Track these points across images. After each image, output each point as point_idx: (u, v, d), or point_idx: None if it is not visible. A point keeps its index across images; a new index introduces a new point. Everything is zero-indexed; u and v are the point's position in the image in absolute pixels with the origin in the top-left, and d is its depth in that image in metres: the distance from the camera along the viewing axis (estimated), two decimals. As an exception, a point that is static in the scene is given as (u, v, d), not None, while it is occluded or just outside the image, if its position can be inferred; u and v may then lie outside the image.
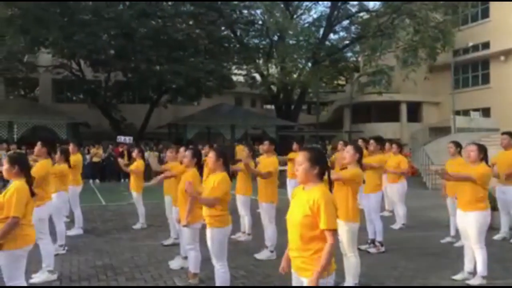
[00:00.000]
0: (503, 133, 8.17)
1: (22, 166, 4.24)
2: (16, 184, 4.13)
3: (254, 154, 8.14)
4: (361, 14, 30.94)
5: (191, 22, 25.68)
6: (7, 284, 4.08)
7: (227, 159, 4.96)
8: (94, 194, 15.07)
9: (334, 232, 3.00)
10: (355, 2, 30.13)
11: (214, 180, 4.77)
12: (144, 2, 23.53)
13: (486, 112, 28.39)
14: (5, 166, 4.23)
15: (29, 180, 4.23)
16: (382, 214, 8.80)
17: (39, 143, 6.38)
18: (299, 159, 3.18)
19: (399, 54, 26.95)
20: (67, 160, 7.23)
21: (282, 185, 9.62)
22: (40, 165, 6.00)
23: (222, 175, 4.79)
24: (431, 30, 25.07)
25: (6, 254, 4.00)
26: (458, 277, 5.77)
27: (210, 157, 4.92)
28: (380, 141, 7.83)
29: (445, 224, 8.29)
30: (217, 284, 4.83)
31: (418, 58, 26.77)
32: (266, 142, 7.52)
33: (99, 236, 8.50)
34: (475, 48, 28.86)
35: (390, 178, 9.15)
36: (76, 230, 8.54)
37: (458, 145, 7.71)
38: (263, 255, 6.83)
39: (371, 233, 7.31)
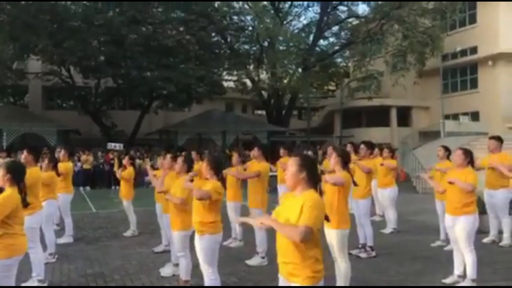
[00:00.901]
0: (491, 138, 8.27)
1: (15, 174, 4.20)
2: (7, 191, 4.09)
3: (244, 160, 8.18)
4: (351, 20, 31.15)
5: (181, 29, 25.70)
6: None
7: (220, 168, 4.99)
8: (85, 202, 14.97)
9: (306, 228, 2.92)
10: (345, 8, 30.34)
11: (206, 187, 4.79)
12: (134, 8, 23.50)
13: (475, 116, 28.66)
14: (1, 173, 4.19)
15: (22, 190, 4.19)
16: (373, 219, 8.85)
17: (25, 151, 6.29)
18: (288, 164, 3.23)
19: (389, 59, 27.16)
20: (55, 167, 7.17)
21: (273, 190, 9.64)
22: (28, 173, 5.92)
23: (213, 183, 4.81)
24: (420, 35, 25.28)
25: None
26: (448, 280, 5.81)
27: (203, 166, 4.95)
28: (370, 146, 7.88)
29: (435, 228, 8.35)
30: None
31: (407, 63, 26.99)
32: (256, 148, 7.56)
33: (89, 244, 8.44)
34: (463, 53, 29.14)
35: (381, 183, 9.19)
36: (66, 238, 8.48)
37: (447, 149, 7.82)
38: (254, 261, 6.83)
39: (361, 237, 7.35)
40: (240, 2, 28.64)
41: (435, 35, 25.90)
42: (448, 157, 7.68)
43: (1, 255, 3.95)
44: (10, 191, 4.09)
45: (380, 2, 27.64)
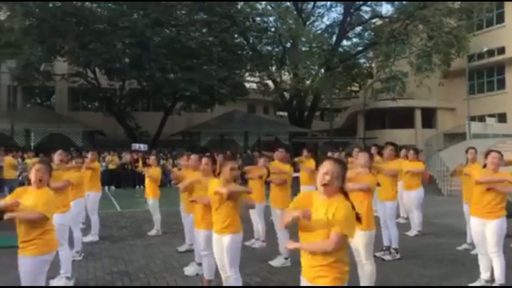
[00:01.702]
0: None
1: (47, 174, 4.32)
2: (44, 190, 4.19)
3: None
4: (374, 20, 30.93)
5: (204, 30, 25.92)
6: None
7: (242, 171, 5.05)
8: (110, 201, 15.20)
9: (340, 236, 2.93)
10: (368, 9, 30.10)
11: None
12: (158, 11, 23.79)
13: (502, 117, 28.07)
14: (36, 173, 4.29)
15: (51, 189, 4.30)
16: (397, 221, 8.74)
17: (59, 151, 6.43)
18: (328, 168, 3.09)
19: (413, 60, 26.83)
20: (79, 168, 7.31)
21: (296, 192, 9.61)
22: (61, 173, 6.06)
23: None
24: (445, 36, 24.93)
25: (34, 260, 4.04)
26: (475, 285, 5.70)
27: (224, 167, 4.98)
28: (396, 148, 7.79)
29: (461, 231, 8.21)
30: None
31: (432, 63, 26.63)
32: (282, 150, 7.54)
33: (114, 242, 8.57)
34: (490, 53, 28.59)
35: (407, 185, 9.08)
36: (92, 237, 8.63)
37: (476, 151, 7.66)
38: (277, 262, 6.83)
39: (386, 240, 7.27)
40: (263, 3, 28.72)
41: (461, 35, 25.50)
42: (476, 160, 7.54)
43: (43, 251, 4.07)
44: (47, 189, 4.20)
45: (404, 2, 27.34)
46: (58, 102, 33.84)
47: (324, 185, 3.05)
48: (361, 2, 29.62)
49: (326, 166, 3.10)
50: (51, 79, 27.65)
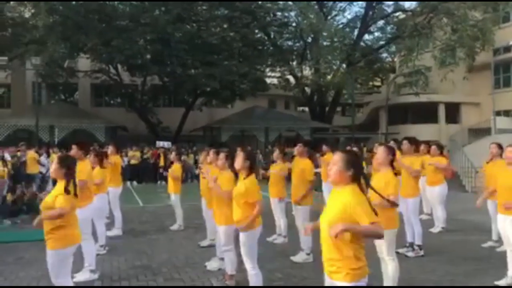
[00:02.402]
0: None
1: (70, 168, 4.39)
2: (63, 184, 4.27)
3: (285, 157, 8.18)
4: (397, 14, 30.49)
5: (225, 26, 25.95)
6: (54, 282, 4.24)
7: (254, 161, 5.06)
8: (132, 196, 15.38)
9: (377, 224, 2.93)
10: (391, 2, 29.72)
11: (244, 184, 4.82)
12: (179, 7, 23.90)
13: (528, 112, 27.43)
14: (55, 166, 4.38)
15: (74, 183, 4.37)
16: (420, 217, 8.62)
17: (74, 146, 6.45)
18: (335, 159, 3.16)
19: (437, 54, 26.36)
20: (100, 162, 7.39)
21: (317, 187, 9.57)
22: (81, 167, 6.10)
23: (250, 179, 4.85)
24: (470, 29, 24.39)
25: (55, 253, 4.17)
26: (501, 282, 5.59)
27: (237, 157, 4.98)
28: (414, 142, 7.64)
29: (486, 228, 8.06)
30: (251, 285, 4.87)
31: (457, 57, 26.10)
32: (300, 144, 7.51)
33: (137, 237, 8.67)
34: (517, 46, 27.91)
35: (430, 181, 8.95)
36: (116, 231, 8.75)
37: (500, 147, 7.46)
38: (299, 257, 6.81)
39: (409, 236, 7.19)
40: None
41: (486, 28, 24.92)
42: (501, 155, 7.36)
43: (58, 245, 4.15)
44: (65, 184, 4.26)
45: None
46: (81, 98, 34.36)
47: (330, 176, 3.17)
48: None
49: (334, 158, 3.18)
50: (74, 76, 28.06)
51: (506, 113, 27.22)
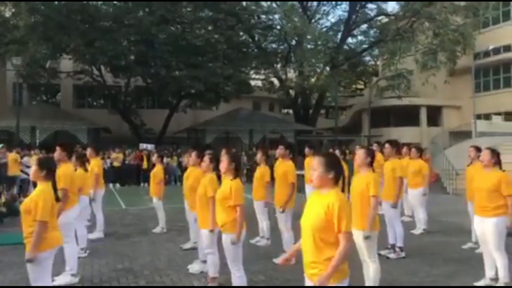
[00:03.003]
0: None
1: (50, 170, 4.34)
2: (42, 187, 4.22)
3: (268, 159, 8.19)
4: (380, 17, 30.80)
5: (210, 28, 25.91)
6: (33, 285, 4.17)
7: (239, 164, 5.04)
8: (114, 198, 15.24)
9: (349, 235, 3.01)
10: (374, 6, 29.98)
11: (230, 187, 4.81)
12: (164, 8, 23.80)
13: (508, 116, 27.88)
14: (34, 168, 4.32)
15: (55, 185, 4.32)
16: (402, 219, 8.71)
17: (58, 148, 6.39)
18: (314, 165, 3.19)
19: (419, 58, 26.69)
20: (83, 164, 7.32)
21: (300, 189, 9.60)
22: (64, 169, 6.03)
23: (236, 182, 4.84)
24: (451, 33, 24.75)
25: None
26: (480, 283, 5.68)
27: (223, 161, 4.98)
28: (396, 145, 7.75)
29: (466, 229, 8.18)
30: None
31: (438, 61, 26.46)
32: (281, 147, 7.54)
33: (119, 239, 8.60)
34: (496, 51, 28.38)
35: (411, 183, 9.05)
36: (97, 234, 8.66)
37: (479, 150, 7.57)
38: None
39: (391, 238, 7.25)
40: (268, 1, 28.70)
41: (467, 33, 25.31)
42: (479, 158, 7.48)
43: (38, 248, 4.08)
44: (45, 187, 4.21)
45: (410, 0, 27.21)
46: (63, 99, 33.95)
47: (312, 181, 3.21)
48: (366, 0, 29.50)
49: (315, 163, 3.21)
50: (56, 77, 27.72)
51: (486, 116, 27.66)
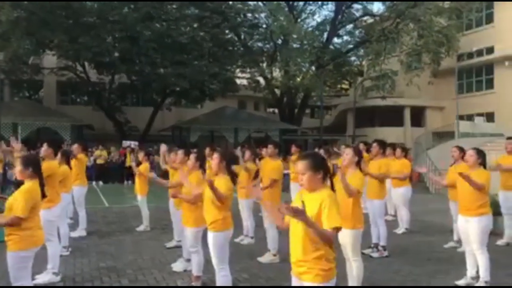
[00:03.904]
0: (509, 138, 8.15)
1: (35, 168, 4.27)
2: (28, 185, 4.15)
3: (256, 157, 8.19)
4: (365, 18, 30.99)
5: (195, 25, 25.79)
6: (13, 284, 4.11)
7: (229, 162, 5.01)
8: (98, 196, 15.10)
9: (336, 229, 3.00)
10: (359, 6, 30.16)
11: (216, 184, 4.79)
12: (149, 5, 23.64)
13: (490, 117, 28.32)
14: (19, 168, 4.25)
15: (42, 182, 4.26)
16: (385, 218, 8.78)
17: (45, 144, 6.38)
18: (301, 168, 3.16)
19: (403, 59, 26.94)
20: (68, 162, 7.23)
21: (285, 188, 9.62)
22: (47, 166, 5.94)
23: (225, 178, 4.81)
24: (435, 35, 25.04)
25: (13, 255, 4.05)
26: (461, 282, 5.76)
27: (214, 159, 4.96)
28: (383, 145, 7.82)
29: (448, 228, 8.28)
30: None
31: (422, 62, 26.76)
32: (271, 146, 7.54)
33: (102, 238, 8.52)
34: (479, 53, 28.82)
35: (394, 183, 9.13)
36: (80, 232, 8.56)
37: (462, 150, 7.66)
38: (266, 258, 6.83)
39: (374, 237, 7.31)
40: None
41: (450, 34, 25.64)
42: (462, 158, 7.57)
43: (18, 247, 4.04)
44: (32, 185, 4.15)
45: (395, 1, 27.44)
46: (46, 95, 33.50)
47: (302, 185, 3.20)
48: (352, 0, 29.66)
49: (297, 167, 3.20)
50: (39, 73, 27.35)
51: (469, 117, 28.05)
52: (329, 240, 2.99)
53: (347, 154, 5.34)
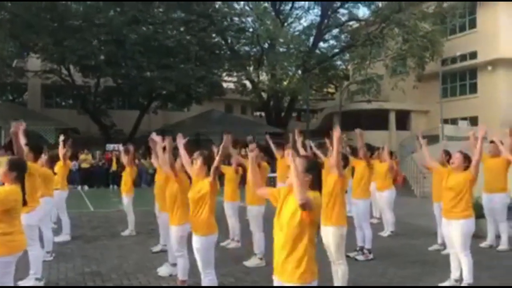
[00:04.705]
0: (491, 141, 8.27)
1: (20, 173, 4.20)
2: (9, 188, 4.07)
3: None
4: (351, 23, 31.21)
5: (182, 29, 25.72)
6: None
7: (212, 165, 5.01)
8: (83, 200, 14.96)
9: (310, 199, 2.98)
10: (345, 11, 30.39)
11: (200, 187, 4.79)
12: (135, 8, 23.52)
13: (473, 120, 28.65)
14: (3, 170, 4.17)
15: (24, 189, 4.18)
16: (371, 221, 8.84)
17: (26, 148, 6.28)
18: (295, 163, 3.17)
19: (388, 63, 27.19)
20: (52, 165, 7.16)
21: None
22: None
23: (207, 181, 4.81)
24: (420, 40, 25.33)
25: None
26: (445, 284, 5.82)
27: (196, 163, 4.95)
28: (370, 148, 7.90)
29: (433, 231, 8.36)
30: None
31: (407, 67, 27.03)
32: (257, 149, 7.53)
33: (87, 242, 8.44)
34: (463, 57, 29.20)
35: (379, 186, 9.21)
36: (64, 237, 8.47)
37: (448, 154, 7.76)
38: (252, 262, 6.83)
39: (360, 240, 7.35)
40: (241, 3, 28.72)
41: (435, 39, 25.96)
42: (448, 162, 7.66)
43: (1, 252, 3.95)
44: (10, 188, 4.08)
45: (380, 6, 27.71)
46: (30, 99, 33.06)
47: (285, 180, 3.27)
48: (338, 4, 29.87)
49: (295, 163, 3.17)
50: (23, 76, 27.02)
51: (453, 121, 28.38)
52: (301, 195, 2.94)
53: (332, 157, 5.42)
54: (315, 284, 3.12)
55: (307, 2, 31.43)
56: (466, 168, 5.68)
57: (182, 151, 5.23)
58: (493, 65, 27.86)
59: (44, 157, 7.13)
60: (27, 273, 5.67)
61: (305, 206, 2.95)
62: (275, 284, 3.21)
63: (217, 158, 4.80)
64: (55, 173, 7.39)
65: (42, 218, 6.54)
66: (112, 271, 6.47)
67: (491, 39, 27.42)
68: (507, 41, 27.21)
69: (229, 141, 5.24)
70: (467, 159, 5.71)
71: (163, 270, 6.29)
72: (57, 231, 8.49)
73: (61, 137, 8.39)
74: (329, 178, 5.26)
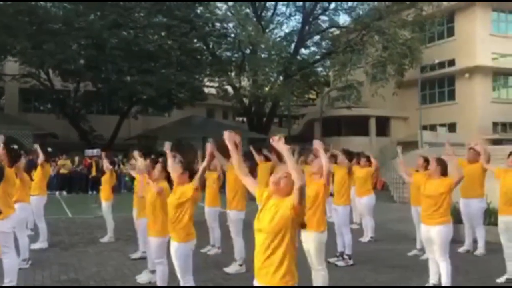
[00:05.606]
0: (470, 148, 8.40)
1: None
2: None
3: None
4: (332, 30, 31.51)
5: (163, 34, 25.61)
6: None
7: (193, 172, 4.98)
8: (61, 206, 14.72)
9: (305, 187, 3.02)
10: (326, 18, 30.67)
11: (181, 192, 4.76)
12: (116, 13, 23.33)
13: (452, 127, 29.19)
14: None
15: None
16: (351, 227, 8.89)
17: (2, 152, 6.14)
18: (283, 172, 3.19)
19: (368, 70, 27.49)
20: (29, 171, 7.03)
21: (252, 197, 9.60)
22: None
23: (190, 187, 4.79)
24: (400, 47, 25.68)
25: None
26: (424, 289, 5.87)
27: (175, 171, 4.93)
28: (349, 154, 7.95)
29: (412, 237, 8.44)
30: None
31: (387, 73, 27.35)
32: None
33: (65, 249, 8.29)
34: (441, 65, 29.70)
35: (359, 192, 9.27)
36: (41, 244, 8.30)
37: (426, 160, 7.84)
38: (232, 268, 6.79)
39: (340, 246, 7.38)
40: (223, 8, 28.76)
41: (414, 47, 26.35)
42: (426, 168, 7.74)
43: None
44: None
45: (361, 14, 28.03)
46: (8, 103, 32.49)
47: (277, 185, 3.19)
48: (319, 11, 30.13)
49: (283, 168, 3.22)
50: (0, 80, 26.57)
51: (432, 127, 28.79)
52: (300, 178, 2.96)
53: (316, 163, 5.44)
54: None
55: (288, 9, 31.59)
56: (443, 174, 5.74)
57: (170, 159, 5.19)
58: (471, 73, 28.42)
59: (22, 162, 6.98)
60: (1, 282, 5.54)
61: (302, 189, 2.95)
62: (255, 284, 3.20)
63: (202, 165, 4.77)
64: (32, 179, 7.23)
65: (17, 225, 6.41)
66: (90, 278, 6.37)
67: (469, 47, 27.98)
68: (484, 49, 27.83)
69: (214, 148, 5.19)
70: (441, 164, 5.76)
71: (142, 277, 6.21)
72: (33, 238, 8.32)
73: (35, 145, 8.28)
74: (313, 184, 5.27)
